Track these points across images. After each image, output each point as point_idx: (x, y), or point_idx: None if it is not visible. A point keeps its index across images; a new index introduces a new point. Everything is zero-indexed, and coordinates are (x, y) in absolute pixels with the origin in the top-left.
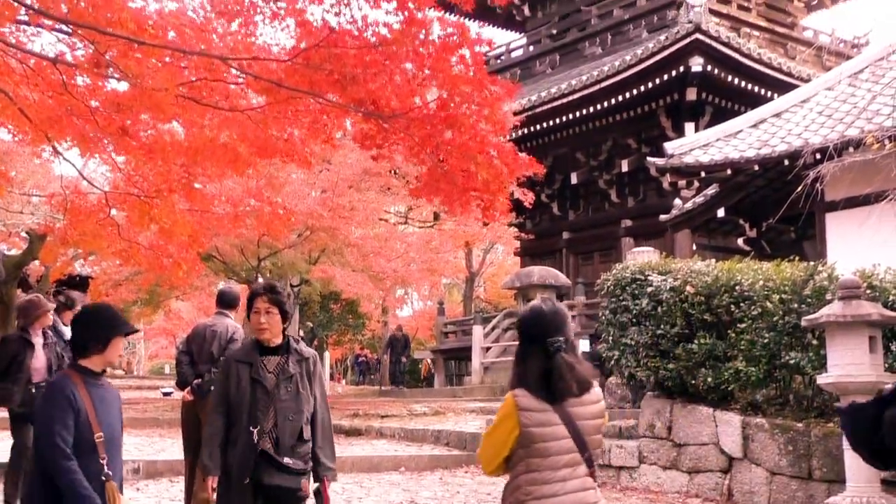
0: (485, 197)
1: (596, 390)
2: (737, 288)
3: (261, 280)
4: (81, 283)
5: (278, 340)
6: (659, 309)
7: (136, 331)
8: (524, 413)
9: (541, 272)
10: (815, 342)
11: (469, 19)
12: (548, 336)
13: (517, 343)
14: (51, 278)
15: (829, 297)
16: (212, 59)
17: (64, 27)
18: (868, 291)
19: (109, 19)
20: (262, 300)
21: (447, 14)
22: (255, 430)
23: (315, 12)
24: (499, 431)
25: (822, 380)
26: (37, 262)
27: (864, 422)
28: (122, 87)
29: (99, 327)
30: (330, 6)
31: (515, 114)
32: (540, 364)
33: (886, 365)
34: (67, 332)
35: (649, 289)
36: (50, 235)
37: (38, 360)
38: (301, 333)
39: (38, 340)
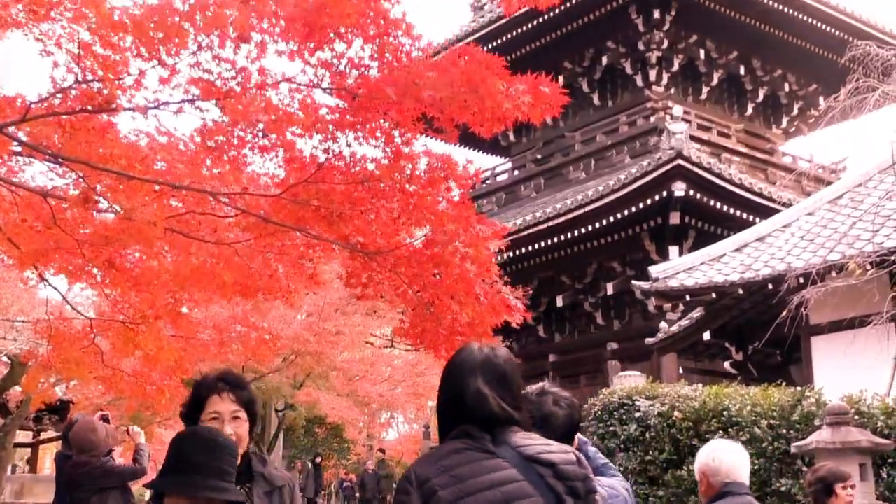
0: (471, 340)
1: None
2: (725, 413)
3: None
4: (62, 407)
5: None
6: (647, 434)
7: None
8: None
9: (545, 385)
10: (805, 469)
11: (454, 144)
12: None
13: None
14: (32, 404)
15: (817, 422)
16: (201, 192)
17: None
18: (856, 417)
19: (102, 154)
20: (223, 399)
21: (432, 139)
22: None
23: (304, 147)
24: None
25: None
26: (18, 388)
27: None
28: (110, 216)
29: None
30: (318, 142)
31: (502, 237)
32: None
33: (878, 493)
34: None
35: (637, 414)
36: (32, 362)
37: None
38: (300, 463)
39: None
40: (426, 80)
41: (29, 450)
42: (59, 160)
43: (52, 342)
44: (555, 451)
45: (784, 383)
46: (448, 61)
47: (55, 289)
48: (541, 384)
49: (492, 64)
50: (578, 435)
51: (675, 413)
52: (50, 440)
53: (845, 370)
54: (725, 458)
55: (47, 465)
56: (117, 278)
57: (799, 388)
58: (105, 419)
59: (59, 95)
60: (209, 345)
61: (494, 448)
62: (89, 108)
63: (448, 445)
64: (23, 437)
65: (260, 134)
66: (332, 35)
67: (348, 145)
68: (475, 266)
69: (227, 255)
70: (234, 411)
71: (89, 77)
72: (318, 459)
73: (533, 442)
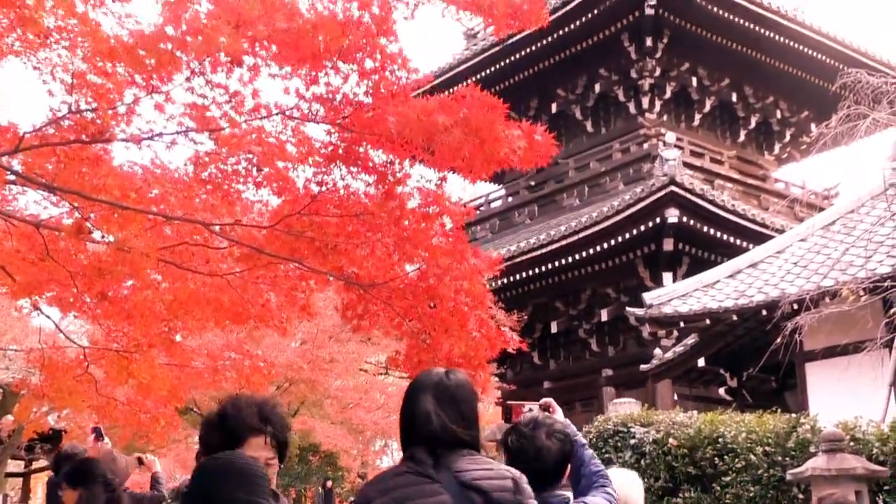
0: (468, 373)
1: None
2: (720, 440)
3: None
4: (55, 436)
5: None
6: (642, 462)
7: None
8: None
9: (538, 417)
10: (801, 496)
11: (448, 171)
12: None
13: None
14: (24, 434)
15: (812, 449)
16: (194, 223)
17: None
18: (851, 444)
19: (95, 184)
20: (266, 445)
21: (425, 166)
22: None
23: (298, 178)
24: None
25: None
26: (10, 417)
27: None
28: (104, 247)
29: None
30: (312, 175)
31: (496, 268)
32: None
33: None
34: None
35: (632, 441)
36: (25, 390)
37: None
38: (294, 491)
39: None
40: (435, 121)
41: (20, 479)
42: (53, 190)
43: (45, 371)
44: (492, 476)
45: (779, 410)
46: (453, 100)
47: (48, 318)
48: (533, 415)
49: (496, 108)
50: (577, 437)
51: (671, 440)
52: (42, 469)
53: (840, 396)
54: (624, 488)
55: (39, 495)
56: (111, 309)
57: (794, 415)
58: (98, 433)
59: (53, 125)
60: (203, 373)
61: (435, 473)
62: (83, 137)
63: (394, 468)
64: (14, 466)
65: (254, 168)
66: (327, 67)
67: (342, 178)
68: (470, 298)
69: (220, 284)
70: (271, 458)
71: (83, 106)
72: (329, 484)
73: (473, 467)
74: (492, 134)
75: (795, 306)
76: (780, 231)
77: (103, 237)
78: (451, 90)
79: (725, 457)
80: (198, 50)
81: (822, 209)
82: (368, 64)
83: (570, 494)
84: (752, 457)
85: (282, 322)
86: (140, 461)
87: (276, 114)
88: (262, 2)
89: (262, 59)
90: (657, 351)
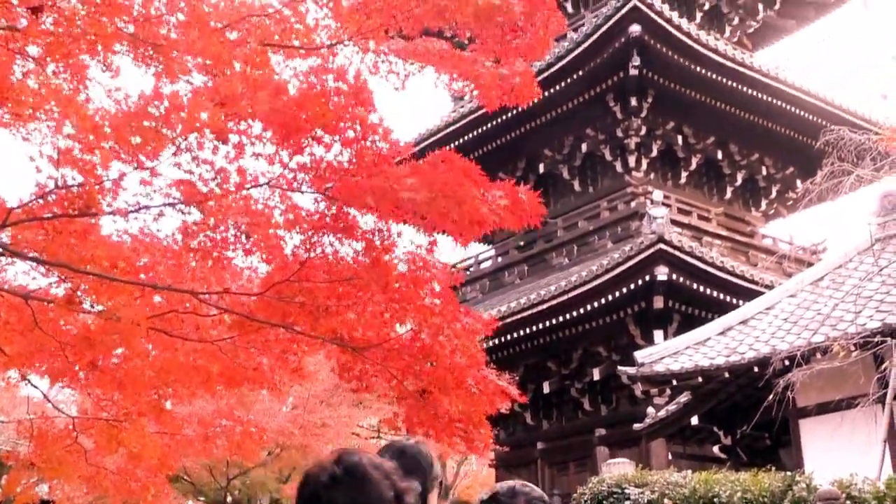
0: (469, 429)
1: None
2: (715, 500)
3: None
4: None
5: None
6: None
7: None
8: None
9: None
10: None
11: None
12: None
13: None
14: None
15: None
16: (182, 292)
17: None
18: (848, 502)
19: (83, 256)
20: None
21: (414, 230)
22: None
23: (286, 242)
24: None
25: None
26: None
27: None
28: (91, 318)
29: None
30: (301, 241)
31: (491, 328)
32: None
33: None
34: None
35: (627, 502)
36: (13, 462)
37: None
38: None
39: None
40: (404, 186)
41: None
42: (42, 263)
43: (35, 441)
44: None
45: (774, 467)
46: (428, 165)
47: (36, 388)
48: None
49: (470, 171)
50: None
51: (666, 501)
52: None
53: (835, 452)
54: None
55: None
56: (101, 378)
57: (789, 473)
58: None
59: (41, 198)
60: (193, 440)
61: None
62: (70, 212)
63: None
64: None
65: (243, 236)
66: (310, 138)
67: (330, 244)
68: (465, 358)
69: (210, 350)
70: None
71: (70, 182)
72: None
73: None
74: (467, 197)
75: (787, 363)
76: (770, 287)
77: (93, 306)
78: (441, 149)
79: None
80: (182, 126)
81: (810, 264)
82: (350, 134)
83: None
84: None
85: (274, 384)
86: None
87: (264, 183)
88: (245, 79)
89: (246, 136)
90: (650, 409)
